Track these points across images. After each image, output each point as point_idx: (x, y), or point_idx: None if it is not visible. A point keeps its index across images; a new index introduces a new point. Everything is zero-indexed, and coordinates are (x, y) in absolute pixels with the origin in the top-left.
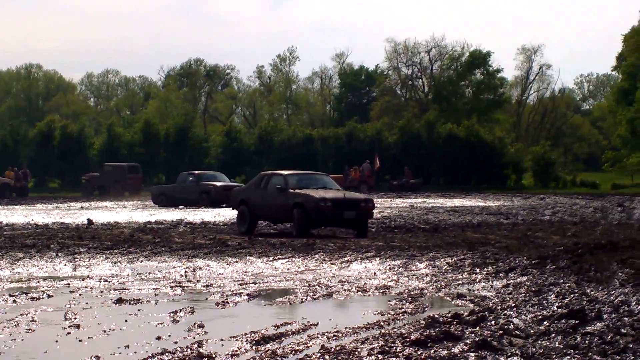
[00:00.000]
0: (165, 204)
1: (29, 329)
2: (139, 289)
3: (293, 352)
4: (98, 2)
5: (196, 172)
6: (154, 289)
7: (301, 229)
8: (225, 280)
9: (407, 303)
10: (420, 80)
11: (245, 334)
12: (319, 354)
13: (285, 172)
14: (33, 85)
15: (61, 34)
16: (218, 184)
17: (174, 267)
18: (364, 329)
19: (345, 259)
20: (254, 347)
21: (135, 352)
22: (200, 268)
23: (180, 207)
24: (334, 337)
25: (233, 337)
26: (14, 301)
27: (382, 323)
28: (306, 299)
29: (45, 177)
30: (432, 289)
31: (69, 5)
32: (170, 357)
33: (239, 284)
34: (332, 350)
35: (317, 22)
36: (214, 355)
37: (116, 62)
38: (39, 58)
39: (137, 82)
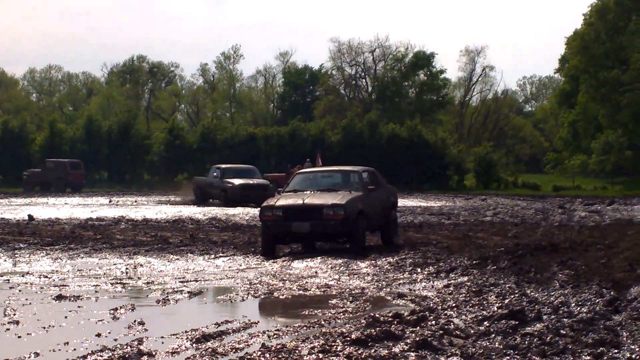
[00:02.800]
0: (201, 197)
1: None
2: (79, 286)
3: (233, 350)
4: None
5: (223, 165)
6: (94, 285)
7: (263, 246)
8: (166, 277)
9: (348, 302)
10: (364, 80)
11: (186, 331)
12: (260, 352)
13: (308, 170)
14: None
15: (3, 28)
16: (237, 182)
17: (114, 264)
18: (305, 328)
19: (287, 257)
20: (194, 345)
21: (74, 349)
22: (141, 265)
23: (211, 202)
24: (275, 336)
25: (173, 334)
26: None
27: (322, 322)
28: (247, 297)
29: None
30: (373, 288)
31: None
32: (110, 354)
33: (180, 282)
34: (273, 348)
35: (262, 21)
36: (154, 353)
37: (59, 58)
38: None
39: (80, 78)
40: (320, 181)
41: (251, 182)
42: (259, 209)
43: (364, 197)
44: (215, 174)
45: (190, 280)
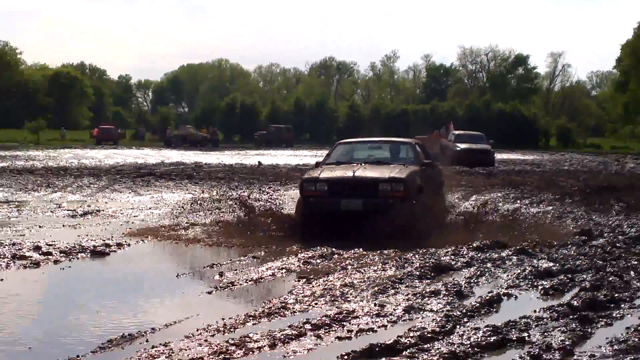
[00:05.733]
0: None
1: None
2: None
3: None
4: (257, 10)
5: (457, 132)
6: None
7: (302, 227)
8: None
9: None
10: (481, 73)
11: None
12: (392, 252)
13: (352, 140)
14: (223, 73)
15: (242, 36)
16: (461, 146)
17: None
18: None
19: None
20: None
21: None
22: None
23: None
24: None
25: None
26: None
27: (450, 235)
28: None
29: (230, 134)
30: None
31: (243, 18)
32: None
33: None
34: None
35: (413, 31)
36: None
37: (278, 57)
38: (227, 54)
39: (291, 72)
40: (368, 152)
41: (474, 147)
42: (302, 181)
43: (422, 173)
44: (451, 138)
45: None
